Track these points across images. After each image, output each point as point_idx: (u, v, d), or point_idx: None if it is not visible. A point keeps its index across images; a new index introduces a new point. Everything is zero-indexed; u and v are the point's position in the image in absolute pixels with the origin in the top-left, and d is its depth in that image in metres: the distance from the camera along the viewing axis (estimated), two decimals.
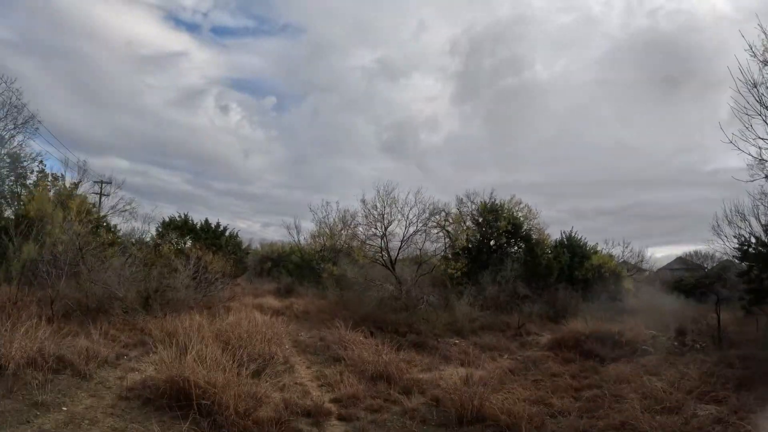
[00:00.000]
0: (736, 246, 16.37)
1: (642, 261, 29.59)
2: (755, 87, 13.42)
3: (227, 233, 28.18)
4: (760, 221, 15.64)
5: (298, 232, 31.19)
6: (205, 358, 8.55)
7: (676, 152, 47.30)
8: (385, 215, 19.48)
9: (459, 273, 19.54)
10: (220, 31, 67.27)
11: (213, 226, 28.01)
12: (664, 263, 37.24)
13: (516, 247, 23.79)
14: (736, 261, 17.96)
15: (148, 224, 24.02)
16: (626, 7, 51.82)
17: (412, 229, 19.55)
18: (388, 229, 19.53)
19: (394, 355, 11.59)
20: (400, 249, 19.72)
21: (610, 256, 25.11)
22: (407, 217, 19.49)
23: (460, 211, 23.14)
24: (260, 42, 67.17)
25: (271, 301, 22.57)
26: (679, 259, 38.60)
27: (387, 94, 61.27)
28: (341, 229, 23.14)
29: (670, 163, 46.64)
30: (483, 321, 17.40)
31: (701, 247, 38.93)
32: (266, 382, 8.80)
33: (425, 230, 19.85)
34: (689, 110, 48.14)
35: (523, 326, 17.52)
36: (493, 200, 24.10)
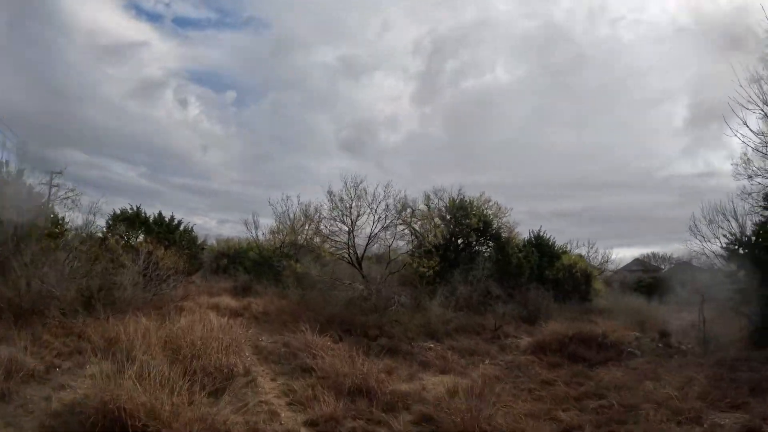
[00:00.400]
0: (723, 246, 15.70)
1: (607, 262, 29.19)
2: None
3: (182, 227, 25.80)
4: (752, 221, 15.05)
5: (256, 228, 29.15)
6: (149, 373, 6.74)
7: (633, 158, 48.42)
8: (353, 209, 17.87)
9: (431, 272, 18.15)
10: (182, 22, 63.83)
11: (167, 219, 25.61)
12: (620, 265, 37.33)
13: (485, 246, 22.66)
14: (721, 262, 17.37)
15: (94, 215, 21.22)
16: (589, 15, 52.55)
17: (380, 225, 18.03)
18: (356, 224, 17.94)
19: (372, 365, 9.98)
20: (367, 246, 18.14)
21: (580, 256, 24.42)
22: (376, 212, 17.96)
23: (428, 207, 21.81)
24: (223, 35, 64.23)
25: (228, 301, 20.51)
26: (637, 261, 38.89)
27: (349, 92, 59.91)
28: (303, 224, 21.21)
29: (626, 169, 47.62)
30: (458, 323, 16.06)
31: (658, 249, 39.54)
32: (225, 401, 6.99)
33: (395, 226, 18.37)
34: (646, 118, 49.23)
35: (500, 328, 16.29)
36: (461, 197, 22.90)
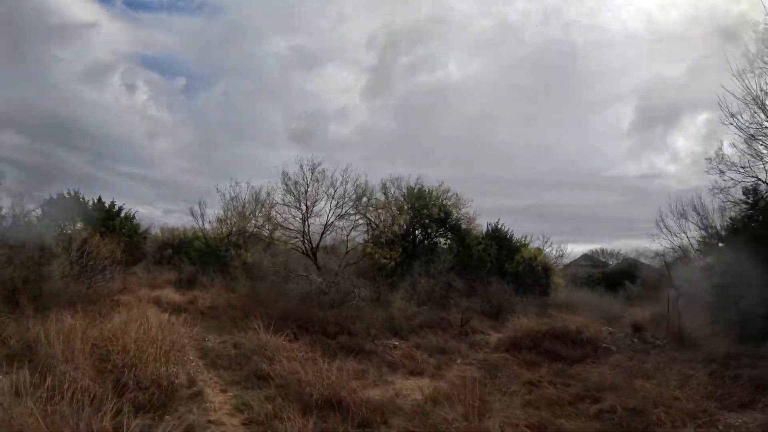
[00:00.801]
0: (701, 240, 15.19)
1: (562, 256, 28.83)
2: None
3: (122, 214, 23.07)
4: (726, 216, 14.57)
5: (202, 216, 26.66)
6: (67, 390, 4.93)
7: (579, 158, 49.19)
8: (309, 193, 16.10)
9: (392, 263, 16.66)
10: (133, 4, 58.74)
11: (107, 205, 22.81)
12: (569, 260, 37.35)
13: (445, 238, 21.44)
14: (692, 255, 16.95)
15: (22, 199, 18.15)
16: (543, 17, 52.89)
17: (337, 213, 16.37)
18: (312, 211, 16.17)
19: (340, 371, 8.42)
20: (323, 234, 16.42)
21: (539, 249, 23.72)
22: (333, 197, 16.27)
23: (386, 196, 20.29)
24: (174, 19, 59.79)
25: (171, 295, 18.45)
26: (585, 256, 39.15)
27: (300, 83, 57.51)
28: (253, 210, 19.04)
29: (573, 168, 48.30)
30: (422, 318, 14.67)
31: (603, 246, 40.01)
32: (164, 426, 5.21)
33: (352, 214, 16.75)
34: (593, 120, 50.33)
35: (467, 323, 15.04)
36: (420, 186, 21.57)
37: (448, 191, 22.09)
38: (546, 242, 25.27)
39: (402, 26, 54.84)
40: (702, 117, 48.49)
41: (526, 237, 24.07)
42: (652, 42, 46.34)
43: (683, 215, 16.91)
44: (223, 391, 7.91)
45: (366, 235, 20.03)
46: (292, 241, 16.64)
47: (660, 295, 26.52)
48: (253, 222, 18.36)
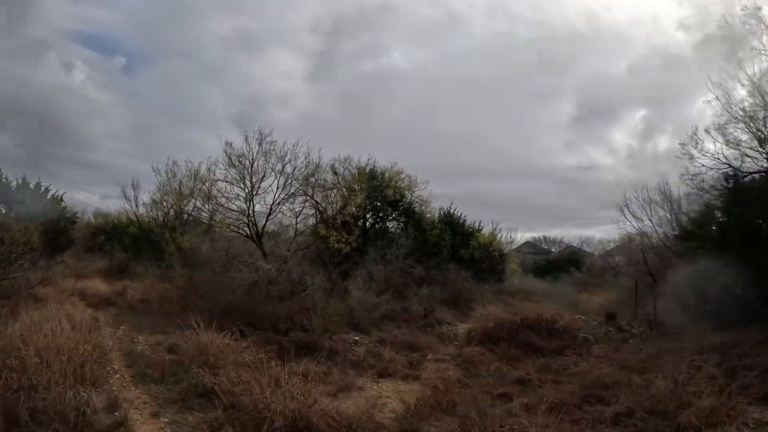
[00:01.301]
0: (679, 226, 14.54)
1: (511, 243, 28.13)
2: None
3: (49, 196, 19.91)
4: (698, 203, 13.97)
5: (135, 197, 23.71)
6: None
7: (518, 148, 49.69)
8: (255, 169, 13.93)
9: (348, 248, 14.87)
10: None
11: (32, 186, 19.59)
12: (511, 247, 37.09)
13: (398, 222, 19.87)
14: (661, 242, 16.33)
15: None
16: (490, 10, 52.48)
17: (287, 191, 14.33)
18: (259, 188, 14.03)
19: (308, 385, 6.68)
20: (269, 216, 14.36)
21: (493, 235, 22.68)
22: (283, 173, 14.21)
23: (336, 176, 18.37)
24: None
25: (99, 285, 16.27)
26: (528, 243, 39.02)
27: (242, 65, 54.10)
28: (191, 190, 16.33)
29: (512, 158, 48.66)
30: (383, 309, 13.03)
31: (540, 234, 40.22)
32: None
33: (301, 195, 14.79)
34: (533, 112, 50.79)
35: (432, 314, 13.57)
36: (372, 166, 19.85)
37: (400, 173, 20.53)
38: (495, 229, 24.24)
39: (348, 12, 52.79)
40: (639, 113, 52.41)
41: (477, 223, 22.93)
42: (594, 40, 47.15)
43: (651, 201, 16.33)
44: (155, 415, 5.97)
45: (314, 219, 18.15)
46: (235, 224, 14.41)
47: (617, 282, 26.54)
48: (192, 203, 15.83)
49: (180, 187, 16.45)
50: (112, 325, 11.53)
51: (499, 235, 23.52)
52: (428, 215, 20.62)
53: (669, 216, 15.93)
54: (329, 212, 17.40)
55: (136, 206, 23.60)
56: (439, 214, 21.95)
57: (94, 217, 29.85)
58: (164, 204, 20.57)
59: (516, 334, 11.56)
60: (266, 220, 15.06)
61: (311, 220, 17.63)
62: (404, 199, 19.96)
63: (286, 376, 7.82)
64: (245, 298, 11.68)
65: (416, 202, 20.42)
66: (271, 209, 14.87)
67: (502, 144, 49.78)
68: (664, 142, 42.64)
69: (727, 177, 13.00)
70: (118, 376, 7.84)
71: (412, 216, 19.75)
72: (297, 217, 14.70)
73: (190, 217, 18.06)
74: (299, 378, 8.13)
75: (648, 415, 6.68)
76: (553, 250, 39.32)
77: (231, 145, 14.14)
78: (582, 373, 9.31)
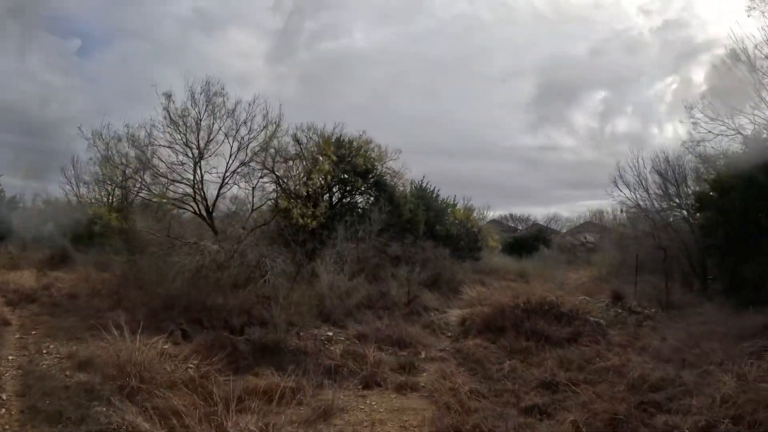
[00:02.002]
0: (690, 198, 12.94)
1: (483, 219, 26.30)
2: None
3: None
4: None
5: (76, 176, 20.56)
6: None
7: (480, 128, 48.57)
8: (203, 128, 11.22)
9: (315, 223, 12.42)
10: None
11: None
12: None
13: (369, 195, 17.55)
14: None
15: None
16: None
17: (240, 159, 11.74)
18: (206, 151, 11.34)
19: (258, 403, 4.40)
20: (221, 188, 11.74)
21: (469, 210, 20.72)
22: (234, 137, 11.59)
23: (298, 143, 15.76)
24: None
25: (24, 279, 13.69)
26: (494, 221, 37.49)
27: (200, 46, 49.84)
28: (127, 159, 13.10)
29: (473, 138, 47.43)
30: (359, 296, 10.76)
31: (503, 212, 38.99)
32: None
33: (264, 164, 12.22)
34: (495, 93, 49.72)
35: (416, 299, 11.40)
36: (339, 135, 17.36)
37: (369, 142, 18.11)
38: (468, 204, 22.28)
39: None
40: (599, 95, 51.38)
41: (451, 198, 20.84)
42: (557, 23, 46.08)
43: (653, 170, 14.66)
44: None
45: (275, 196, 15.64)
46: (180, 199, 11.69)
47: (591, 258, 25.23)
48: (138, 178, 12.69)
49: (114, 158, 13.39)
50: (22, 329, 8.95)
51: (474, 212, 21.59)
52: (401, 188, 18.38)
53: (669, 186, 14.32)
54: (292, 187, 14.91)
55: (77, 187, 20.37)
56: (411, 188, 19.76)
57: (43, 204, 26.61)
58: (108, 183, 17.41)
59: (521, 321, 9.55)
60: (218, 194, 12.41)
61: (272, 197, 15.12)
62: (375, 171, 17.62)
63: (239, 398, 5.54)
64: (189, 288, 9.16)
65: (388, 173, 18.12)
66: (223, 180, 12.23)
67: (465, 124, 48.48)
68: (623, 124, 43.17)
69: (747, 141, 11.38)
70: (3, 411, 5.35)
71: (383, 189, 17.44)
72: (254, 189, 12.11)
73: (138, 195, 15.09)
74: (257, 399, 5.84)
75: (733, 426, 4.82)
76: (519, 227, 37.99)
77: (171, 98, 11.33)
78: (614, 369, 7.41)
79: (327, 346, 8.53)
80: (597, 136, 42.09)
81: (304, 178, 15.16)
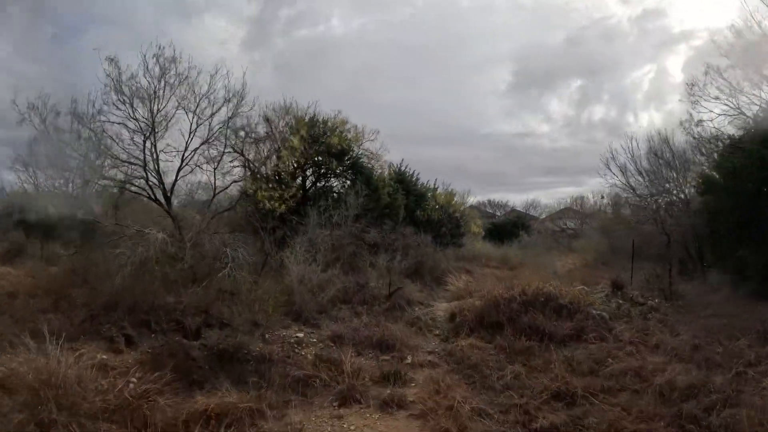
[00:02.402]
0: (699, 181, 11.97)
1: (465, 203, 25.06)
2: None
3: None
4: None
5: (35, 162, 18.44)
6: None
7: (456, 116, 47.99)
8: (156, 97, 9.58)
9: (285, 207, 10.97)
10: None
11: None
12: None
13: (345, 178, 16.15)
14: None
15: None
16: None
17: (200, 136, 10.20)
18: (160, 122, 9.73)
19: None
20: (181, 169, 10.17)
21: (451, 193, 19.47)
22: (194, 111, 10.02)
23: (268, 122, 14.21)
24: None
25: None
26: (471, 207, 36.42)
27: (177, 34, 47.03)
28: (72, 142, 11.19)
29: (450, 125, 46.66)
30: (334, 290, 9.40)
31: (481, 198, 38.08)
32: None
33: (233, 148, 10.72)
34: (472, 80, 48.76)
35: (399, 292, 10.12)
36: (312, 115, 15.86)
37: (346, 122, 16.67)
38: (447, 189, 21.01)
39: None
40: (576, 83, 51.35)
41: (431, 182, 19.55)
42: (534, 10, 45.23)
43: (651, 150, 13.62)
44: None
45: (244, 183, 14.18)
46: (128, 180, 10.06)
47: (573, 245, 24.33)
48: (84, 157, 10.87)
49: (52, 134, 11.58)
50: None
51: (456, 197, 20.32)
52: (379, 171, 17.03)
53: (666, 169, 13.33)
54: (262, 170, 13.44)
55: (34, 175, 18.41)
56: (390, 172, 18.41)
57: (9, 195, 24.29)
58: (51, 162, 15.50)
59: (517, 315, 8.39)
60: (177, 176, 10.83)
61: (239, 180, 13.64)
62: (351, 152, 16.20)
63: (185, 425, 4.22)
64: (134, 284, 7.65)
65: (365, 155, 16.72)
66: (182, 160, 10.66)
67: (442, 112, 47.36)
68: (599, 111, 43.77)
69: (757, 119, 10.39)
70: None
71: (360, 172, 16.06)
72: (215, 169, 10.58)
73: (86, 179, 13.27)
74: (206, 427, 4.52)
75: None
76: (498, 214, 37.06)
77: (115, 63, 9.68)
78: (632, 373, 6.31)
79: (297, 351, 7.22)
80: (573, 123, 43.66)
81: (275, 159, 13.72)
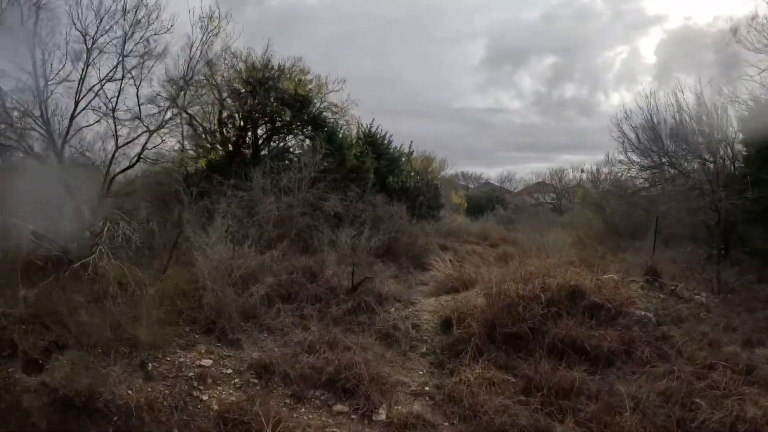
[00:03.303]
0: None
1: (444, 168, 22.00)
2: None
3: None
4: None
5: None
6: None
7: (429, 89, 46.90)
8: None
9: (204, 163, 7.67)
10: None
11: None
12: None
13: (303, 135, 12.82)
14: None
15: None
16: None
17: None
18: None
19: None
20: (76, 114, 6.78)
21: (429, 158, 16.36)
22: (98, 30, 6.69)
23: (209, 67, 10.64)
24: None
25: None
26: (443, 179, 33.60)
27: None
28: None
29: (422, 99, 45.50)
30: (271, 281, 6.22)
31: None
32: None
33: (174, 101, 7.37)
34: (445, 54, 46.57)
35: (367, 283, 6.99)
36: (266, 62, 12.32)
37: (307, 71, 13.20)
38: (425, 154, 17.87)
39: None
40: (548, 60, 50.99)
41: (405, 145, 16.30)
42: None
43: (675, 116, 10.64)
44: None
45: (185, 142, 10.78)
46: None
47: (562, 220, 21.61)
48: None
49: None
50: None
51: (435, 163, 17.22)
52: (344, 128, 13.74)
53: (693, 137, 10.44)
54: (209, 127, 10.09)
55: None
56: (357, 132, 15.07)
57: None
58: None
59: (542, 323, 5.47)
60: (70, 124, 7.31)
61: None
62: (311, 105, 12.83)
63: None
64: None
65: (329, 109, 13.35)
66: (76, 100, 7.19)
67: (414, 85, 45.44)
68: (570, 89, 42.95)
69: None
70: None
71: (322, 127, 12.75)
72: (114, 110, 7.14)
73: None
74: None
75: None
76: (471, 186, 34.31)
77: None
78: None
79: (195, 396, 4.12)
80: (544, 100, 42.38)
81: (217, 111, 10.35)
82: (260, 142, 12.74)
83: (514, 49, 47.48)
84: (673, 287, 7.64)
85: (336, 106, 13.31)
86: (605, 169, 14.87)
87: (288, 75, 12.57)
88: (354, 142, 14.06)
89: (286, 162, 10.48)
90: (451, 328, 5.62)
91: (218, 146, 11.66)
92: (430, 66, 46.70)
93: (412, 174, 14.62)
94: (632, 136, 12.33)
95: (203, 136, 10.35)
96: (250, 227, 7.61)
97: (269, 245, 7.57)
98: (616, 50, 44.66)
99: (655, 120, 11.55)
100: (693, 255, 9.37)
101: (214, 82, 11.43)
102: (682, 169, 10.62)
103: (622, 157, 13.10)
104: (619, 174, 14.97)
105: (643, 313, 6.39)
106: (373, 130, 15.38)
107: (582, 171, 25.49)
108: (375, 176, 13.67)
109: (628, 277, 8.07)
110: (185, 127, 9.57)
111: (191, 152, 8.85)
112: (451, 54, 46.86)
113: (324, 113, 13.11)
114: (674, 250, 9.96)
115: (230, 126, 12.22)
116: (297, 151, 12.96)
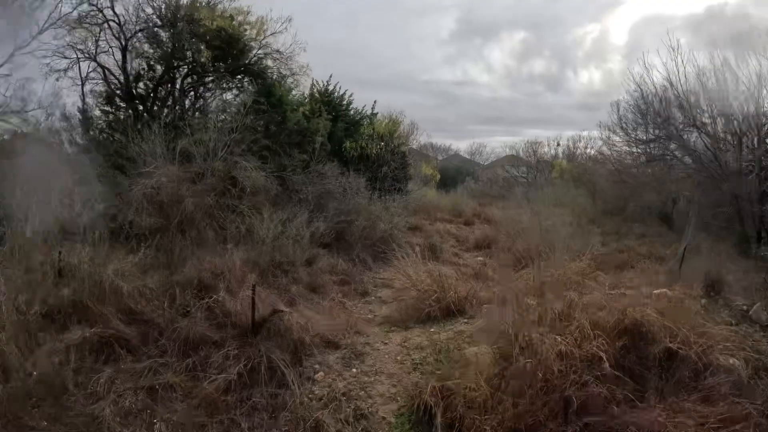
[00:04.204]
0: None
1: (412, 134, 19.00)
2: None
3: None
4: None
5: None
6: None
7: (397, 60, 45.28)
8: None
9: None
10: None
11: None
12: None
13: (236, 88, 9.62)
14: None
15: None
16: None
17: None
18: None
19: None
20: None
21: (395, 122, 13.33)
22: None
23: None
24: None
25: None
26: (411, 150, 30.74)
27: None
28: None
29: (389, 69, 43.33)
30: (135, 298, 3.28)
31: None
32: None
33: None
34: (414, 26, 44.21)
35: (277, 317, 4.06)
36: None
37: (247, 12, 9.78)
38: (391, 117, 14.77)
39: None
40: (519, 35, 48.36)
41: (368, 108, 13.11)
42: None
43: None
44: None
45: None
46: None
47: (539, 195, 19.00)
48: None
49: None
50: None
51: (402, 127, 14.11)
52: (289, 80, 10.49)
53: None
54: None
55: None
56: (311, 91, 11.81)
57: None
58: None
59: (593, 404, 2.74)
60: None
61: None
62: (245, 49, 9.55)
63: None
64: None
65: (270, 57, 10.07)
66: None
67: (382, 56, 43.38)
68: (539, 65, 41.42)
69: None
70: None
71: (259, 76, 9.54)
72: None
73: None
74: None
75: None
76: (440, 157, 31.49)
77: None
78: None
79: None
80: (513, 75, 41.14)
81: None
82: (176, 95, 9.48)
83: (485, 23, 46.10)
84: (744, 307, 5.07)
85: (278, 52, 10.05)
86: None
87: (212, 7, 9.28)
88: (306, 101, 10.98)
89: (196, 118, 7.30)
90: (431, 430, 2.80)
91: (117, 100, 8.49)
92: (399, 37, 44.67)
93: (375, 139, 11.58)
94: (641, 101, 9.70)
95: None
96: (120, 213, 4.57)
97: (141, 240, 4.55)
98: (587, 28, 43.24)
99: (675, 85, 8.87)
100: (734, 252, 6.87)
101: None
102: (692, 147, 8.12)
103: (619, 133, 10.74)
104: (615, 148, 12.50)
105: (731, 361, 3.79)
106: (330, 88, 12.23)
107: (558, 144, 23.28)
108: (330, 142, 10.61)
109: (674, 288, 5.44)
110: None
111: None
112: (420, 26, 44.85)
113: (264, 61, 9.88)
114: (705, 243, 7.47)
115: (145, 77, 9.05)
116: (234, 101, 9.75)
